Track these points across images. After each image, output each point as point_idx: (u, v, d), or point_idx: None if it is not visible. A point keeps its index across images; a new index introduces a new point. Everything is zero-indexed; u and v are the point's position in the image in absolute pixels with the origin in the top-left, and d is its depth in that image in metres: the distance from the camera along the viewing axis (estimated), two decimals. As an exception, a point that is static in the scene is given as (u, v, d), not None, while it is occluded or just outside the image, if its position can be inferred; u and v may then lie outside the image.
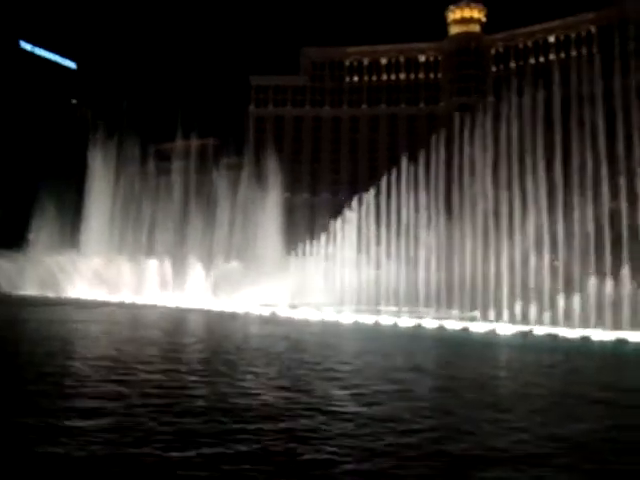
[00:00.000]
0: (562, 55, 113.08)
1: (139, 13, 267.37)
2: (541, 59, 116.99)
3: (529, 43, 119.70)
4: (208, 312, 51.87)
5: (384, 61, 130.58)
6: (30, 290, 70.14)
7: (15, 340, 26.37)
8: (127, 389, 14.89)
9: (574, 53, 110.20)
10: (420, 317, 43.85)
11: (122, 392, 14.53)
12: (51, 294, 66.69)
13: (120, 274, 67.75)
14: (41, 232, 79.93)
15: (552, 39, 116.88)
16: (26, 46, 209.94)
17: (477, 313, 47.69)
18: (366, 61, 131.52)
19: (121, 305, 56.64)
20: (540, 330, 37.32)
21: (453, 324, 40.56)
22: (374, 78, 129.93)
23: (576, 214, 44.97)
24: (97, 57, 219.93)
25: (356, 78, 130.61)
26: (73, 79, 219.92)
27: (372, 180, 67.15)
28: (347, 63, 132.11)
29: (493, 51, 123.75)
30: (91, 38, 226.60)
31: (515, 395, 16.83)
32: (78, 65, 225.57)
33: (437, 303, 52.36)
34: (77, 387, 15.09)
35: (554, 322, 40.14)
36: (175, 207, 75.75)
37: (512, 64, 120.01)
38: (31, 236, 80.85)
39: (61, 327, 33.31)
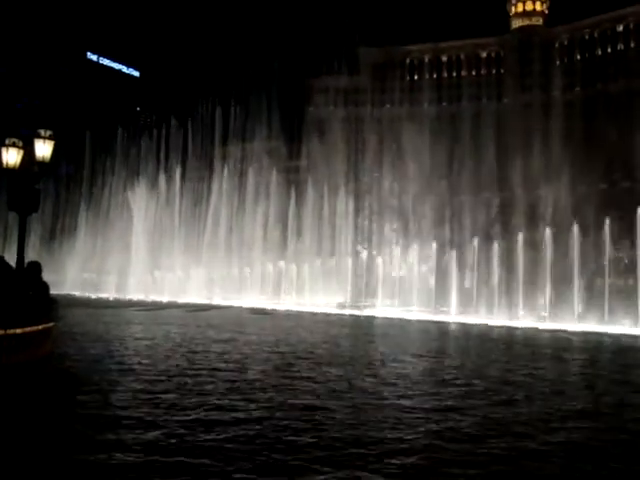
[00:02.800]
0: (632, 44, 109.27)
1: (198, 20, 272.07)
2: (609, 50, 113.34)
3: (595, 34, 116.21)
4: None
5: (445, 58, 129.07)
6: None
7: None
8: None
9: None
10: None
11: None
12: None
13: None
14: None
15: (620, 28, 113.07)
16: (92, 57, 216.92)
17: None
18: (427, 59, 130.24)
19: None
20: None
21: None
22: (435, 76, 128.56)
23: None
24: (159, 65, 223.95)
25: (417, 76, 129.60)
26: (137, 87, 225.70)
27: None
28: (407, 62, 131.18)
29: (557, 44, 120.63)
30: (153, 47, 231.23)
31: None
32: (141, 73, 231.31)
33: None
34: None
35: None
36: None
37: (578, 56, 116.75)
38: None
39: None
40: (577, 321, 47.36)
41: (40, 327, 16.92)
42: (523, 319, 49.20)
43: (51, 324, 18.13)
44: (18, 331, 15.46)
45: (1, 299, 15.56)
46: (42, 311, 17.46)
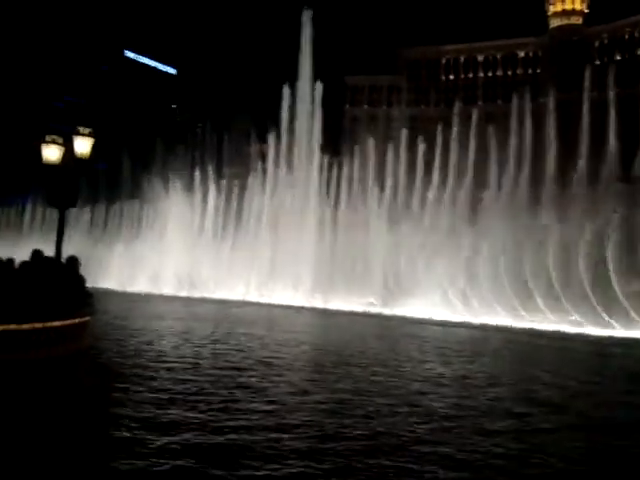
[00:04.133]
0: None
1: (235, 17, 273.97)
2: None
3: (636, 33, 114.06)
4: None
5: (481, 58, 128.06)
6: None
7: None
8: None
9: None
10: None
11: None
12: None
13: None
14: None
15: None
16: (130, 55, 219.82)
17: None
18: (462, 59, 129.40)
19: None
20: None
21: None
22: (470, 75, 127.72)
23: None
24: (196, 63, 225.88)
25: (452, 76, 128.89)
26: (173, 84, 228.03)
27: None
28: (443, 61, 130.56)
29: (597, 44, 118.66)
30: (190, 45, 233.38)
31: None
32: (178, 71, 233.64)
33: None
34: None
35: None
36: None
37: (617, 57, 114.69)
38: None
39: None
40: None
41: (77, 320, 17.28)
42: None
43: (88, 317, 18.49)
44: (56, 324, 15.80)
45: (39, 293, 15.94)
46: (79, 304, 17.83)
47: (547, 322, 47.97)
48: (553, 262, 52.39)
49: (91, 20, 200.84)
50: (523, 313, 51.01)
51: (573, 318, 48.41)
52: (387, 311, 55.09)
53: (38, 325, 15.02)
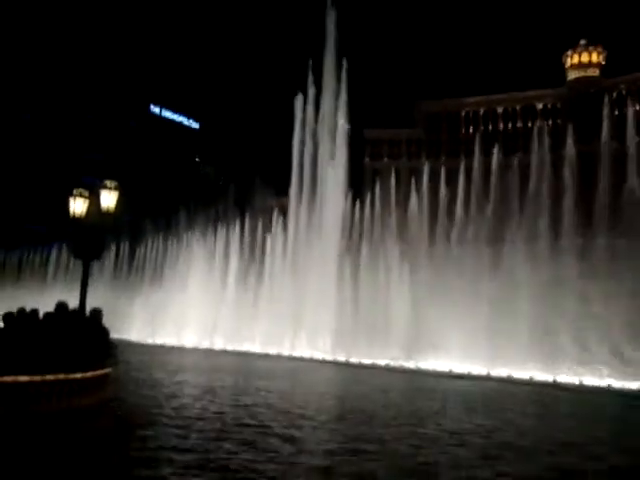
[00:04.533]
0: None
1: (256, 73, 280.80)
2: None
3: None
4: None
5: (500, 110, 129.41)
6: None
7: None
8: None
9: None
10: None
11: None
12: None
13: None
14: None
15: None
16: (155, 109, 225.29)
17: None
18: (482, 111, 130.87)
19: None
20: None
21: None
22: (490, 128, 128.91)
23: None
24: (218, 118, 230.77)
25: (472, 128, 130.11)
26: (196, 138, 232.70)
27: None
28: (463, 114, 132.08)
29: (615, 95, 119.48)
30: (213, 100, 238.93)
31: None
32: (201, 125, 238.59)
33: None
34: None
35: None
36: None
37: (636, 107, 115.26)
38: None
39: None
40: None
41: (100, 372, 17.40)
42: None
43: (110, 369, 18.60)
44: (78, 376, 15.92)
45: (63, 344, 16.11)
46: (102, 356, 17.97)
47: (573, 374, 47.00)
48: (579, 314, 51.62)
49: (118, 76, 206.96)
50: (548, 365, 49.92)
51: (602, 371, 47.14)
52: (411, 365, 54.45)
53: (61, 376, 15.15)
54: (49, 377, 14.72)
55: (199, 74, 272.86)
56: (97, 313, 18.70)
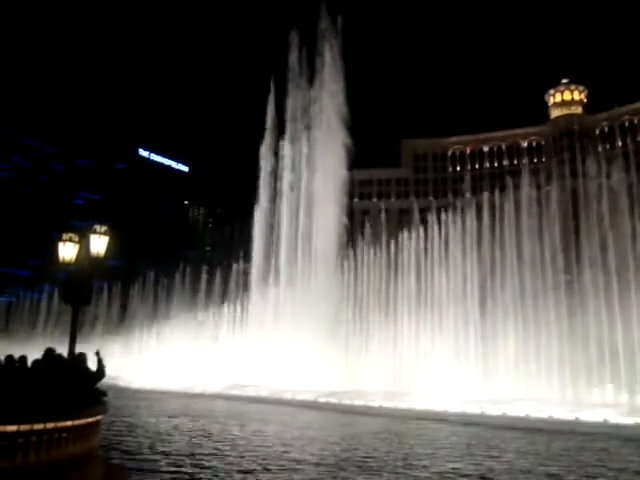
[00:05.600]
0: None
1: (244, 118, 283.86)
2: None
3: (635, 120, 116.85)
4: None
5: (486, 149, 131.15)
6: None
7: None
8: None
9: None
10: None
11: None
12: None
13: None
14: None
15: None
16: (143, 153, 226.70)
17: None
18: (468, 150, 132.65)
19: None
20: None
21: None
22: (477, 166, 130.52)
23: None
24: (208, 160, 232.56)
25: (459, 168, 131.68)
26: (186, 181, 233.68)
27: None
28: (449, 153, 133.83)
29: (598, 131, 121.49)
30: (202, 143, 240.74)
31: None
32: (190, 168, 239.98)
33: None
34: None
35: None
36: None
37: (619, 143, 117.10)
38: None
39: None
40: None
41: (89, 419, 17.06)
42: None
43: (100, 416, 18.26)
44: (68, 423, 15.60)
45: (51, 391, 15.83)
46: (91, 402, 17.65)
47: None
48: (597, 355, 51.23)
49: (106, 120, 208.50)
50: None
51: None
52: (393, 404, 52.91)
53: (50, 425, 14.85)
54: (38, 426, 14.41)
55: (188, 118, 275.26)
56: (82, 358, 18.44)
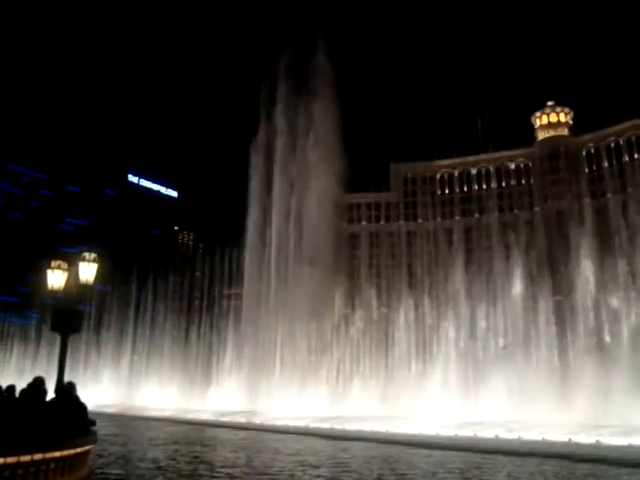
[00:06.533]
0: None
1: (234, 144, 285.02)
2: (636, 156, 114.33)
3: (621, 141, 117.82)
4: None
5: (474, 171, 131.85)
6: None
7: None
8: None
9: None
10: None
11: None
12: None
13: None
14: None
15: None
16: (133, 179, 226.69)
17: None
18: (456, 173, 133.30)
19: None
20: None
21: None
22: (465, 189, 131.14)
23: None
24: (197, 186, 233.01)
25: (447, 190, 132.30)
26: (175, 207, 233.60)
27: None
28: (438, 176, 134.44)
29: (584, 152, 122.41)
30: (191, 169, 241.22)
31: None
32: (179, 194, 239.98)
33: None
34: None
35: None
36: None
37: (605, 164, 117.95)
38: None
39: None
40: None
41: (78, 450, 16.78)
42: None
43: (89, 446, 17.98)
44: (57, 454, 15.34)
45: (38, 422, 15.59)
46: (80, 432, 17.38)
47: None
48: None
49: (95, 145, 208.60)
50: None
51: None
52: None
53: (38, 456, 14.59)
54: (25, 458, 14.15)
55: (177, 144, 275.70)
56: (70, 387, 18.19)
